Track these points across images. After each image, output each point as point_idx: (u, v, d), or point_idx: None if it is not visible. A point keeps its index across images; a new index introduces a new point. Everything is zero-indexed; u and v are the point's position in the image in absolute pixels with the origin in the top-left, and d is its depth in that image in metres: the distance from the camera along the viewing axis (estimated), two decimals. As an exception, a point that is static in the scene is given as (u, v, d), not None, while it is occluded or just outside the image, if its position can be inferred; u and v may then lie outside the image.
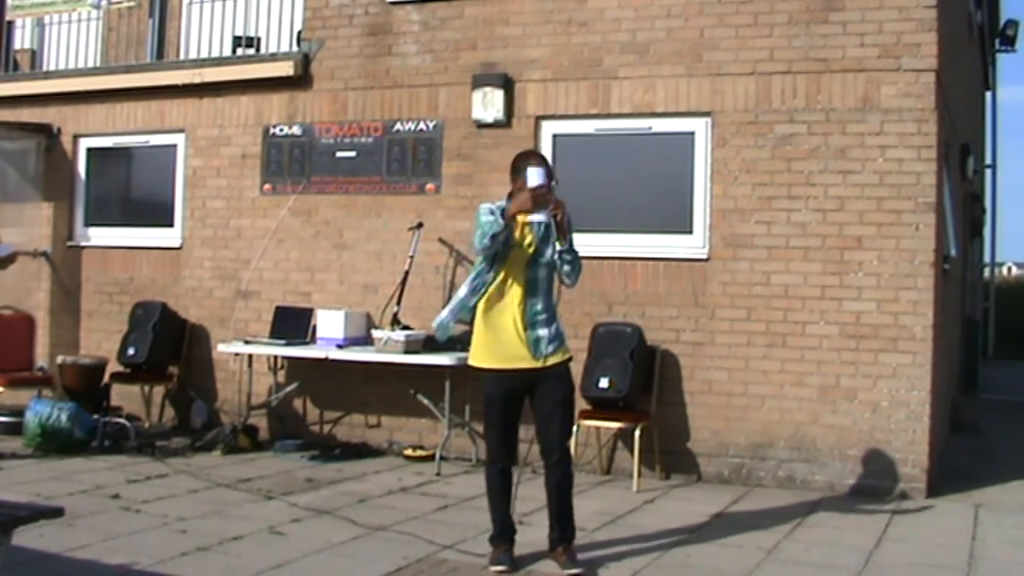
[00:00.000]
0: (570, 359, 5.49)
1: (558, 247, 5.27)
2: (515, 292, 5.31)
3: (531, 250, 5.32)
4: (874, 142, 7.56)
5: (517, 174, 5.33)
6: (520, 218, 5.28)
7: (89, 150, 10.34)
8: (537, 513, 6.01)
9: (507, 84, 8.50)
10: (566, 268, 5.34)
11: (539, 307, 5.33)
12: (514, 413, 5.45)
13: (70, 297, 10.22)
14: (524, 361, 5.31)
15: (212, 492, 7.06)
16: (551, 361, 5.34)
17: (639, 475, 7.62)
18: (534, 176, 5.14)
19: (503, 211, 5.19)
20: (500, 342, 5.32)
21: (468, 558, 5.55)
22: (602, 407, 7.70)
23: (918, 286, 7.45)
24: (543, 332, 5.33)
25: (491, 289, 5.34)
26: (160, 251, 9.86)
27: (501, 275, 5.32)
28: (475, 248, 5.32)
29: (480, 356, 5.40)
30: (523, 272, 5.31)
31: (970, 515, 6.94)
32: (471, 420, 8.40)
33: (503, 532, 5.50)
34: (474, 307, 5.40)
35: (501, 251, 5.28)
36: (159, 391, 9.65)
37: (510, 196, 5.37)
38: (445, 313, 5.54)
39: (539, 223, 5.27)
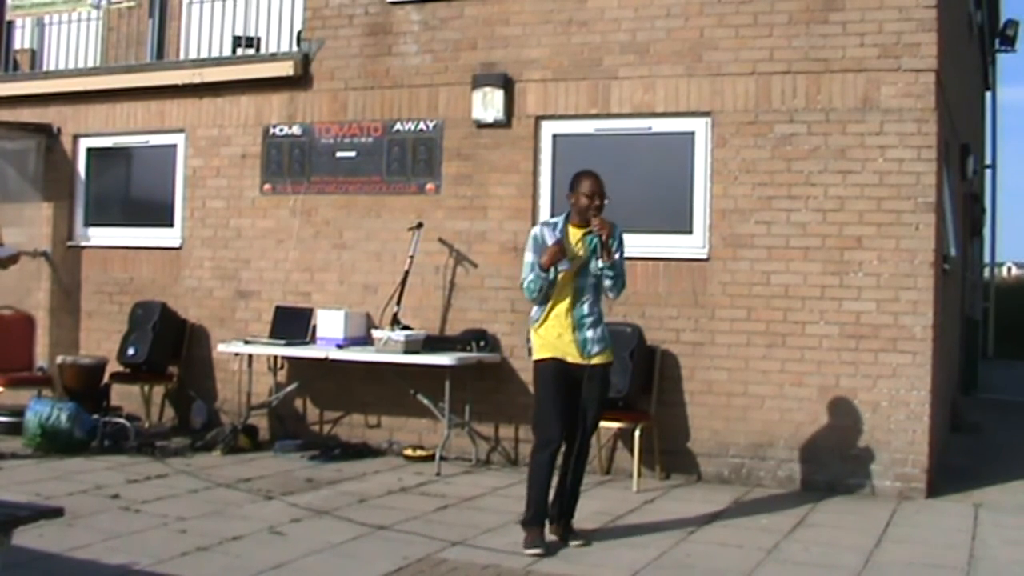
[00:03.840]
0: (611, 362, 6.07)
1: (600, 264, 5.80)
2: (565, 298, 5.86)
3: (580, 263, 5.86)
4: (874, 142, 7.56)
5: (572, 190, 5.95)
6: (576, 232, 5.90)
7: (89, 150, 10.34)
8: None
9: (507, 84, 8.50)
10: (607, 283, 5.90)
11: (585, 311, 5.88)
12: (565, 400, 5.83)
13: (70, 297, 10.22)
14: (573, 357, 5.85)
15: (212, 492, 7.06)
16: (596, 360, 5.88)
17: (639, 475, 7.62)
18: (550, 237, 5.87)
19: (540, 266, 5.78)
20: (554, 340, 5.86)
21: (468, 558, 5.54)
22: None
23: (918, 286, 7.45)
24: (590, 334, 5.88)
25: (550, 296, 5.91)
26: (160, 251, 9.86)
27: (557, 284, 5.86)
28: (524, 288, 5.91)
29: (539, 351, 5.91)
30: (572, 281, 5.86)
31: (970, 515, 6.94)
32: (471, 420, 8.41)
33: (537, 515, 5.78)
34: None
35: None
36: (159, 391, 9.65)
37: (568, 214, 5.98)
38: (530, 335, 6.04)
39: (590, 241, 5.85)
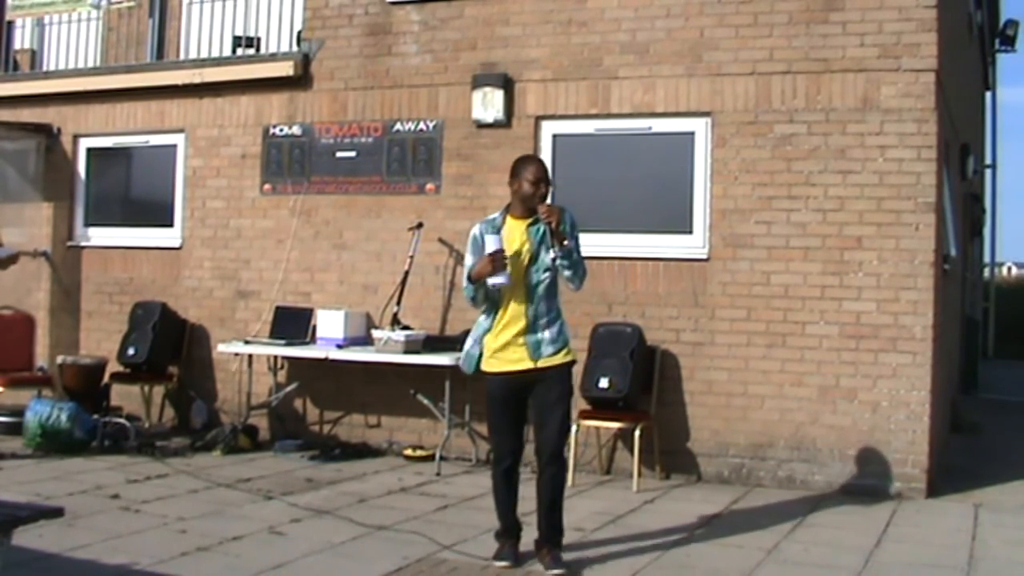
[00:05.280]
0: (572, 362, 5.55)
1: (553, 253, 5.34)
2: (518, 298, 5.40)
3: (528, 256, 5.40)
4: (874, 142, 7.56)
5: (515, 177, 5.48)
6: (519, 224, 5.45)
7: (89, 150, 10.34)
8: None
9: (507, 84, 8.49)
10: (567, 273, 5.42)
11: (541, 310, 5.42)
12: (516, 414, 5.51)
13: (70, 297, 10.22)
14: (522, 363, 5.40)
15: (212, 492, 7.06)
16: (547, 363, 5.41)
17: (639, 475, 7.62)
18: (490, 243, 5.32)
19: (469, 275, 5.41)
20: (502, 346, 5.43)
21: (468, 558, 5.55)
22: (602, 407, 7.70)
23: (918, 286, 7.45)
24: (544, 335, 5.42)
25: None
26: (160, 251, 9.86)
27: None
28: (464, 293, 5.58)
29: (486, 360, 5.51)
30: (523, 278, 5.39)
31: (970, 515, 6.94)
32: (471, 420, 8.41)
33: (508, 530, 5.56)
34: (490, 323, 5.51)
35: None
36: (159, 391, 9.65)
37: (508, 206, 5.55)
38: (469, 343, 5.60)
39: (537, 231, 5.40)
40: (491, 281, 5.29)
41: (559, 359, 5.45)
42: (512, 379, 5.42)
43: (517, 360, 5.40)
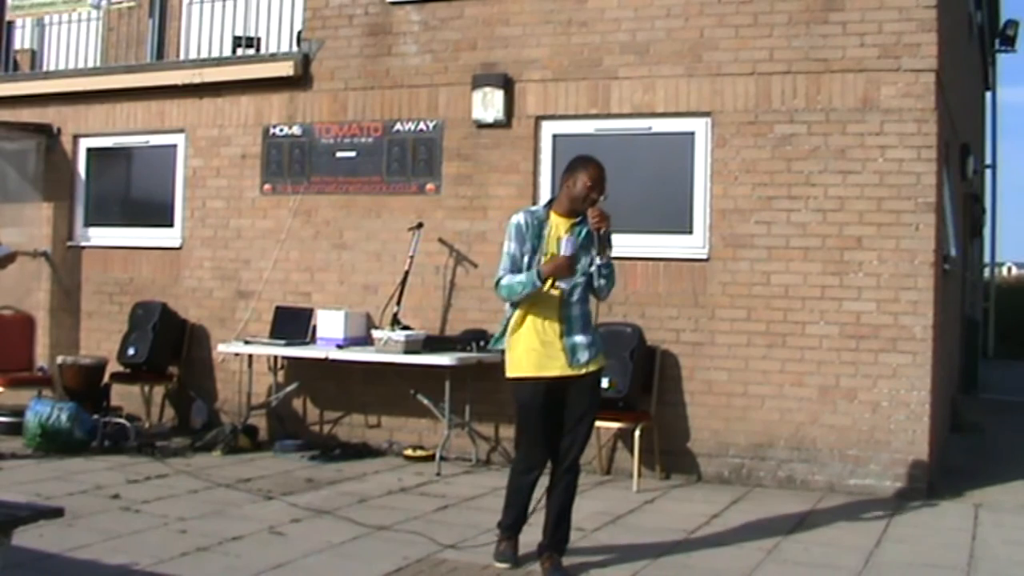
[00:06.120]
0: (603, 368, 5.47)
1: (598, 261, 5.26)
2: (553, 300, 5.26)
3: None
4: (874, 142, 7.57)
5: (570, 175, 5.31)
6: (562, 222, 5.30)
7: (89, 150, 10.34)
8: (540, 513, 5.99)
9: (507, 84, 8.50)
10: (602, 281, 5.33)
11: (576, 313, 5.31)
12: (552, 421, 5.34)
13: (70, 297, 10.22)
14: (560, 368, 5.27)
15: (212, 492, 7.06)
16: (587, 368, 5.32)
17: (639, 475, 7.62)
18: (568, 245, 5.20)
19: (539, 273, 5.18)
20: (538, 350, 5.27)
21: (468, 558, 5.54)
22: (602, 407, 7.66)
23: (918, 286, 7.45)
24: (580, 339, 5.30)
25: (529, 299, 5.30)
26: (160, 251, 9.86)
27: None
28: (501, 287, 5.28)
29: (518, 365, 5.33)
30: (562, 280, 5.26)
31: (970, 515, 6.94)
32: (471, 420, 8.41)
33: (515, 524, 5.48)
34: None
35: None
36: (159, 391, 9.66)
37: (552, 201, 5.43)
38: (500, 329, 5.47)
39: (580, 233, 5.27)
40: (561, 283, 5.21)
41: (594, 365, 5.35)
42: (549, 385, 5.27)
43: (556, 366, 5.26)
